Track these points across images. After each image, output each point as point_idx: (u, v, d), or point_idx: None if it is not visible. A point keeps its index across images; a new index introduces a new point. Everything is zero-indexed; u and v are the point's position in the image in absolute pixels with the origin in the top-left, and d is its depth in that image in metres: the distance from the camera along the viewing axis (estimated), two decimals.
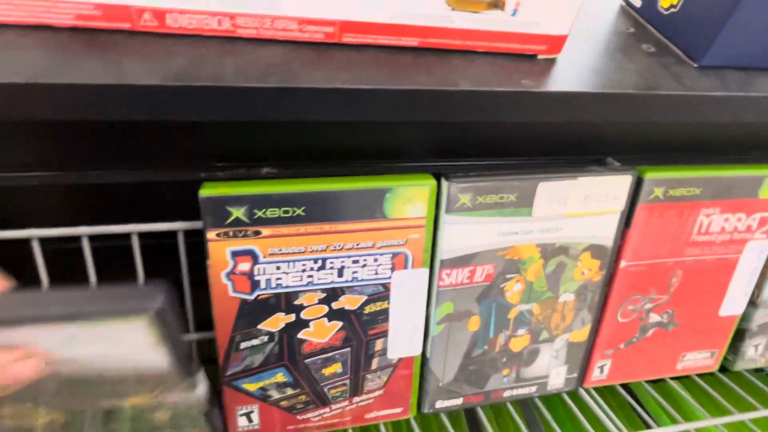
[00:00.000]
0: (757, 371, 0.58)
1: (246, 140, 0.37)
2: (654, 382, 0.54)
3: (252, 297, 0.36)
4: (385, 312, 0.39)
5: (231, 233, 0.33)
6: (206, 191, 0.32)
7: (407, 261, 0.38)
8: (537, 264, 0.41)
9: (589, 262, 0.42)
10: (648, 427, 0.49)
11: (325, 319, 0.38)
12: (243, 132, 0.37)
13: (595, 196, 0.40)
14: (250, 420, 0.41)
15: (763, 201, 0.44)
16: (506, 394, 0.47)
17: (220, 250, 0.34)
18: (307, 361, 0.39)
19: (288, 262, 0.35)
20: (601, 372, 0.49)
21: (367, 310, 0.39)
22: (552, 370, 0.47)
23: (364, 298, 0.38)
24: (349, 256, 0.36)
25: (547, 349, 0.46)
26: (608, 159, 0.43)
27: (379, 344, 0.41)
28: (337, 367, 0.40)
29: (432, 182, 0.36)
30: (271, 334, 0.38)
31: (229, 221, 0.33)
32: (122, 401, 0.28)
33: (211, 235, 0.33)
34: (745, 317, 0.50)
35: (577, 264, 0.42)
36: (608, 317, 0.46)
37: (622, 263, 0.43)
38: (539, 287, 0.42)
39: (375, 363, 0.41)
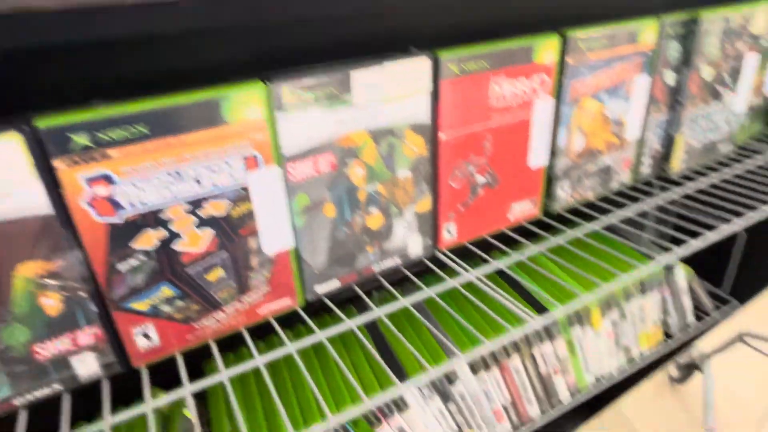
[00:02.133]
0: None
1: (75, 78, 0.40)
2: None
3: (118, 219, 0.39)
4: (250, 212, 0.45)
5: (79, 160, 0.36)
6: (44, 122, 0.34)
7: (258, 161, 0.43)
8: (371, 147, 0.48)
9: (415, 139, 0.51)
10: (488, 261, 0.60)
11: (196, 229, 0.43)
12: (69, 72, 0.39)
13: (403, 80, 0.47)
14: (148, 338, 0.44)
15: (538, 65, 0.55)
16: (375, 267, 0.55)
17: (72, 177, 0.36)
18: (188, 271, 0.44)
19: (144, 180, 0.39)
20: (450, 234, 0.59)
21: (234, 213, 0.44)
22: (408, 240, 0.56)
23: (227, 202, 0.43)
24: (202, 165, 0.41)
25: (399, 222, 0.54)
26: (411, 48, 0.51)
27: (252, 243, 0.46)
28: (219, 272, 0.45)
29: (261, 85, 0.41)
30: (147, 252, 0.41)
31: (73, 148, 0.35)
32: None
33: (59, 165, 0.36)
34: (550, 166, 0.63)
35: (405, 143, 0.50)
36: (443, 185, 0.55)
37: (442, 136, 0.52)
38: (378, 168, 0.50)
39: (254, 261, 0.47)
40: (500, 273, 0.79)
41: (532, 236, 0.69)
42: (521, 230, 0.65)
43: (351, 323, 0.50)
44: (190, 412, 0.45)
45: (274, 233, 0.47)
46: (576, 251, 0.62)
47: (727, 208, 0.69)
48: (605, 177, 0.68)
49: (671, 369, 1.91)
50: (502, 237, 0.63)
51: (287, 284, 0.50)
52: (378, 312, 0.51)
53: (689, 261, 1.12)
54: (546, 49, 0.54)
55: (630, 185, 0.72)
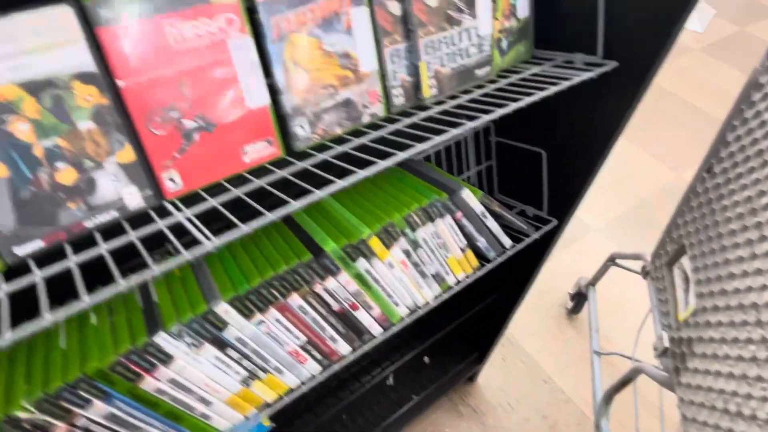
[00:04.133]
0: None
1: None
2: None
3: None
4: None
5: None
6: None
7: None
8: (29, 101, 0.49)
9: (85, 88, 0.51)
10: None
11: None
12: None
13: (44, 29, 0.48)
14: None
15: (217, 5, 0.56)
16: (88, 223, 0.55)
17: None
18: None
19: None
20: (174, 183, 0.60)
21: None
22: (122, 192, 0.57)
23: None
24: None
25: (101, 175, 0.55)
26: None
27: None
28: None
29: None
30: None
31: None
32: None
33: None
34: (277, 104, 0.65)
35: (75, 93, 0.51)
36: (143, 133, 0.56)
37: (121, 83, 0.53)
38: (48, 121, 0.50)
39: None
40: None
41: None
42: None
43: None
44: None
45: None
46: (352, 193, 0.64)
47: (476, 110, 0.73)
48: (350, 111, 0.71)
49: (567, 302, 2.01)
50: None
51: None
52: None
53: (513, 189, 1.18)
54: None
55: (385, 117, 0.75)
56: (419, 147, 0.66)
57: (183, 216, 0.58)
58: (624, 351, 1.81)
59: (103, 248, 0.53)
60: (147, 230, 0.55)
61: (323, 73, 0.66)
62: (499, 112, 0.71)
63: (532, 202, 1.13)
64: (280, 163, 0.67)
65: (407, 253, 0.83)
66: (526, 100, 0.73)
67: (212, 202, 0.62)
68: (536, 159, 1.07)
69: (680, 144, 2.74)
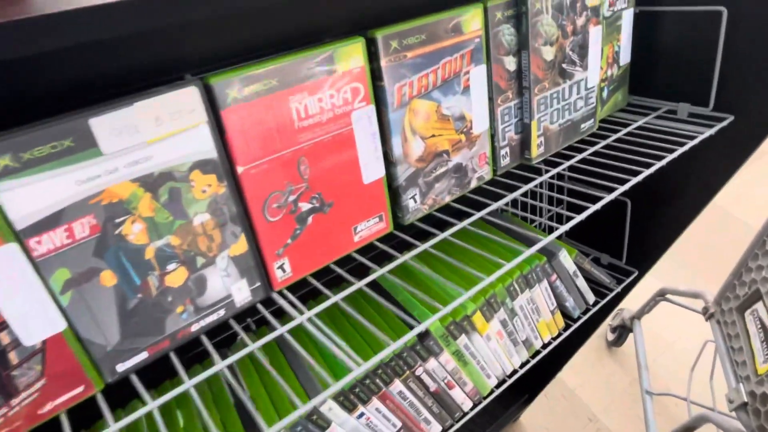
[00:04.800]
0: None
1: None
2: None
3: None
4: None
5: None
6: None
7: None
8: (145, 198, 0.41)
9: (204, 178, 0.44)
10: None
11: None
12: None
13: (167, 115, 0.40)
14: None
15: (342, 73, 0.49)
16: (194, 328, 0.48)
17: None
18: None
19: None
20: (283, 272, 0.52)
21: None
22: (231, 288, 0.49)
23: None
24: None
25: (212, 272, 0.47)
26: (186, 76, 0.44)
27: (5, 338, 0.38)
28: None
29: None
30: None
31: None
32: None
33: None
34: (391, 177, 0.58)
35: (192, 184, 0.43)
36: (257, 222, 0.49)
37: (240, 169, 0.46)
38: (163, 219, 0.43)
39: (14, 357, 0.39)
40: (364, 296, 0.74)
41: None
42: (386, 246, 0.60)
43: (190, 383, 0.43)
44: None
45: (32, 320, 0.39)
46: (446, 258, 0.57)
47: (596, 183, 0.66)
48: (461, 177, 0.64)
49: (607, 333, 1.95)
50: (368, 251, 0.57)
51: (72, 371, 0.42)
52: (222, 364, 0.44)
53: (588, 239, 1.11)
54: (348, 55, 0.48)
55: (491, 179, 0.68)
56: (562, 228, 0.58)
57: (286, 302, 0.50)
58: (673, 391, 1.74)
59: (218, 366, 0.45)
60: (247, 320, 0.48)
61: (439, 139, 0.59)
62: (633, 181, 0.64)
63: (608, 249, 1.06)
64: (384, 237, 0.60)
65: (504, 323, 0.76)
66: (654, 167, 0.66)
67: (316, 285, 0.55)
68: (617, 206, 1.00)
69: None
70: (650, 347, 1.92)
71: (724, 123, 0.75)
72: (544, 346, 0.87)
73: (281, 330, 0.48)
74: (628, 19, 0.77)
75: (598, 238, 1.08)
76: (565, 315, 0.90)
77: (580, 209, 1.05)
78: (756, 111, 0.74)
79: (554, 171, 0.66)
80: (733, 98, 0.76)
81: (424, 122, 0.57)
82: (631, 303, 2.05)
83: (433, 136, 0.59)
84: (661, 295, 1.67)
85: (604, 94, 0.79)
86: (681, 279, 2.17)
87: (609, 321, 1.97)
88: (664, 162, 0.66)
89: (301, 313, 0.50)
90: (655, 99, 0.84)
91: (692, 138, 0.71)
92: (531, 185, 0.65)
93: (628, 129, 0.76)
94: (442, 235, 0.58)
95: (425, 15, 0.53)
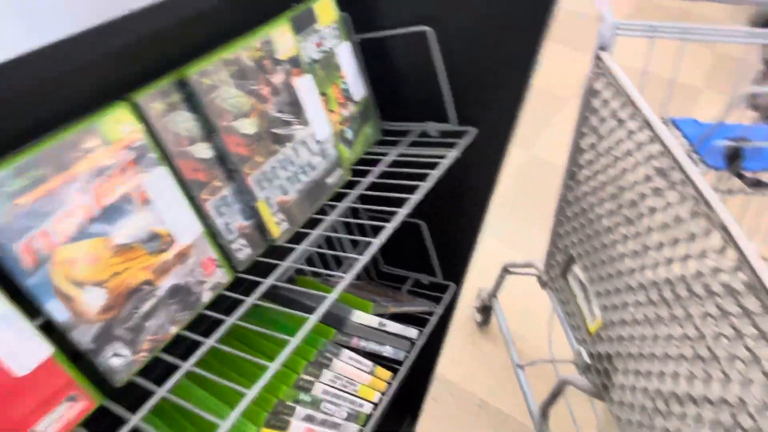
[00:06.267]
0: None
1: None
2: None
3: None
4: None
5: None
6: None
7: None
8: None
9: None
10: None
11: None
12: None
13: None
14: None
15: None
16: None
17: None
18: None
19: None
20: None
21: None
22: None
23: None
24: None
25: None
26: None
27: None
28: None
29: None
30: None
31: None
32: None
33: None
34: (68, 343, 0.45)
35: None
36: None
37: None
38: None
39: None
40: None
41: None
42: None
43: None
44: None
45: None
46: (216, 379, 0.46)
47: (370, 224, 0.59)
48: (183, 298, 0.53)
49: (475, 314, 2.00)
50: None
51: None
52: None
53: (407, 264, 1.07)
54: None
55: (234, 279, 0.58)
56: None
57: None
58: (544, 356, 1.82)
59: None
60: None
61: (127, 273, 0.47)
62: (382, 239, 0.58)
63: (425, 270, 1.03)
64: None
65: (310, 418, 0.67)
66: (403, 211, 0.61)
67: None
68: (418, 229, 0.97)
69: (529, 125, 2.89)
70: (518, 318, 2.00)
71: (469, 137, 0.73)
72: (376, 405, 0.81)
73: None
74: (347, 53, 0.71)
75: (414, 262, 1.05)
76: (391, 361, 0.85)
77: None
78: (491, 119, 0.73)
79: (315, 233, 0.58)
80: (470, 111, 0.74)
81: (92, 266, 0.45)
82: (487, 279, 2.11)
83: (117, 274, 0.47)
84: (505, 271, 1.73)
85: (348, 135, 0.73)
86: (538, 241, 2.29)
87: (473, 303, 2.02)
88: (424, 189, 0.61)
89: None
90: (407, 122, 0.80)
91: (443, 157, 0.67)
92: (290, 261, 0.56)
93: (381, 167, 0.70)
94: (190, 362, 0.47)
95: (33, 144, 0.41)
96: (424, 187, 0.61)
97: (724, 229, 0.75)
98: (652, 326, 0.94)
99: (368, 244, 0.56)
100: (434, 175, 0.63)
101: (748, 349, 0.72)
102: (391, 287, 1.03)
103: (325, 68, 0.68)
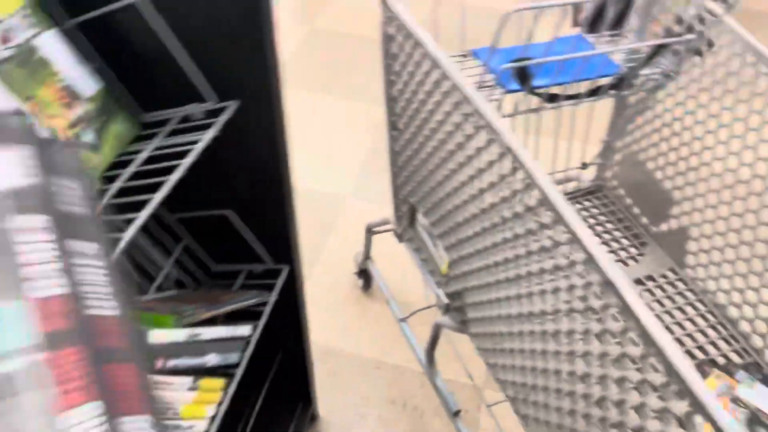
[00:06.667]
0: None
1: None
2: None
3: None
4: None
5: None
6: None
7: None
8: None
9: None
10: None
11: None
12: None
13: None
14: None
15: None
16: None
17: None
18: None
19: None
20: None
21: None
22: None
23: None
24: None
25: None
26: None
27: None
28: None
29: None
30: None
31: None
32: None
33: None
34: None
35: None
36: None
37: None
38: None
39: None
40: None
41: None
42: None
43: None
44: None
45: None
46: None
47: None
48: None
49: (357, 280, 1.99)
50: None
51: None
52: None
53: (230, 253, 1.00)
54: None
55: None
56: None
57: None
58: (422, 305, 1.86)
59: None
60: None
61: None
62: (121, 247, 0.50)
63: (255, 258, 0.96)
64: None
65: None
66: (144, 213, 0.53)
67: None
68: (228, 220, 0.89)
69: (375, 79, 2.87)
70: (397, 274, 2.01)
71: (230, 112, 0.66)
72: (213, 418, 0.75)
73: None
74: (55, 44, 0.59)
75: (244, 254, 0.97)
76: (223, 367, 0.79)
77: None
78: (252, 86, 0.67)
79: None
80: (230, 83, 0.67)
81: None
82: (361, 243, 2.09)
83: None
84: (369, 231, 1.72)
85: (88, 137, 0.63)
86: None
87: (353, 270, 2.00)
88: (171, 183, 0.54)
89: None
90: (172, 108, 0.71)
91: (196, 142, 0.60)
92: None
93: (132, 168, 0.61)
94: None
95: None
96: (172, 180, 0.54)
97: (510, 151, 0.76)
98: (486, 256, 0.96)
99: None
100: (185, 164, 0.56)
101: (552, 258, 0.74)
102: (223, 286, 0.96)
103: (26, 67, 0.56)
